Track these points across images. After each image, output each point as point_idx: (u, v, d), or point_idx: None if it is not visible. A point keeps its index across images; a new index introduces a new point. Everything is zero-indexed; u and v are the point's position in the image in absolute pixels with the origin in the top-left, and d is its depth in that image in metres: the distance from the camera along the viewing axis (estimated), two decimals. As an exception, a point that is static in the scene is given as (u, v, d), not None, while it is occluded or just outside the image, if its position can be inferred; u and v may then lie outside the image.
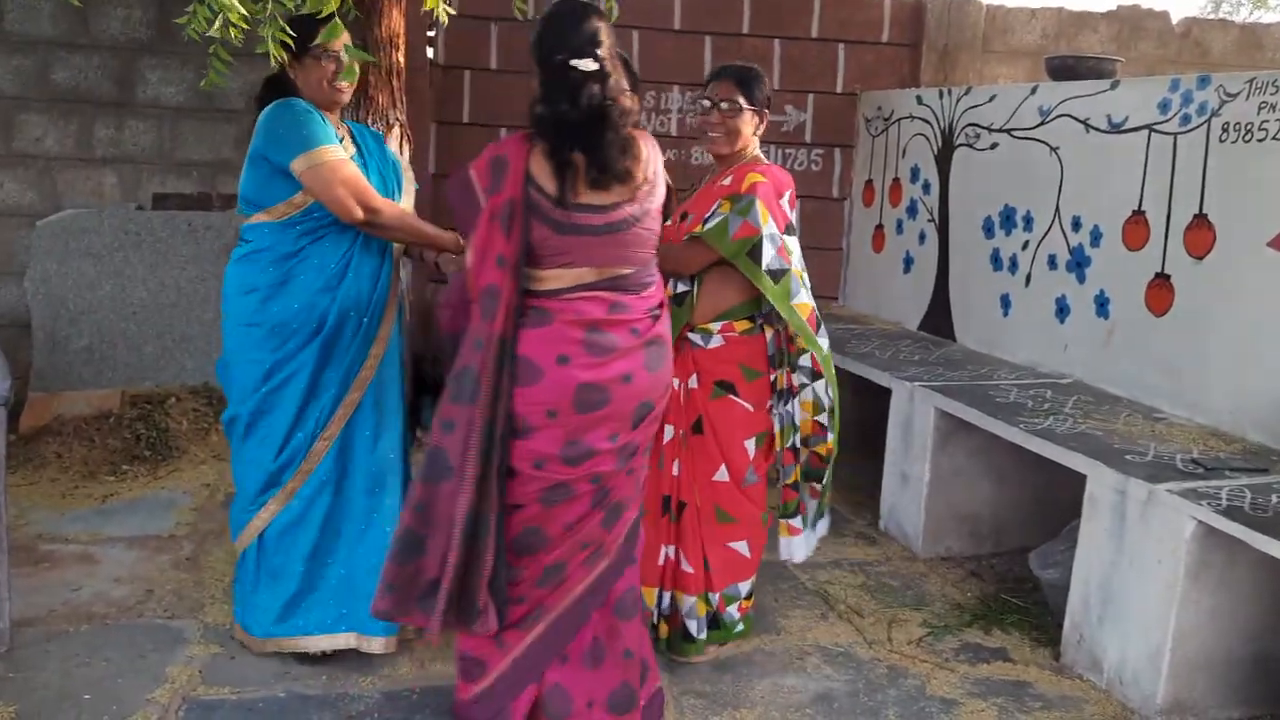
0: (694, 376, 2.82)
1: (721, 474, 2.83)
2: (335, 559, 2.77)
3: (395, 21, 4.20)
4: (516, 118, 5.04)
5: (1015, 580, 3.54)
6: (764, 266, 2.69)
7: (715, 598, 2.89)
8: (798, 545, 2.93)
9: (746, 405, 2.82)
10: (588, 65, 2.16)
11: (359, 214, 2.60)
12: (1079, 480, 2.97)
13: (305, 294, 2.65)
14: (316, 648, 2.75)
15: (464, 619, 2.24)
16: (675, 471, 2.86)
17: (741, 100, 2.80)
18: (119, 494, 3.94)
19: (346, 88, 2.72)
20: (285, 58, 2.61)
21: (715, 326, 2.81)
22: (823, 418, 2.83)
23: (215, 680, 2.69)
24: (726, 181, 2.82)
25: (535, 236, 2.18)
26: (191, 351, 4.86)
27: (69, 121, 4.91)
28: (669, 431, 2.85)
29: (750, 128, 2.84)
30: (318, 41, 2.48)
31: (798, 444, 2.85)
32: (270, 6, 2.29)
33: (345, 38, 2.65)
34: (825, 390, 2.81)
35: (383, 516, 2.78)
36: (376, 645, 2.77)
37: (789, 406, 2.84)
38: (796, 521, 2.90)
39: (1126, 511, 2.79)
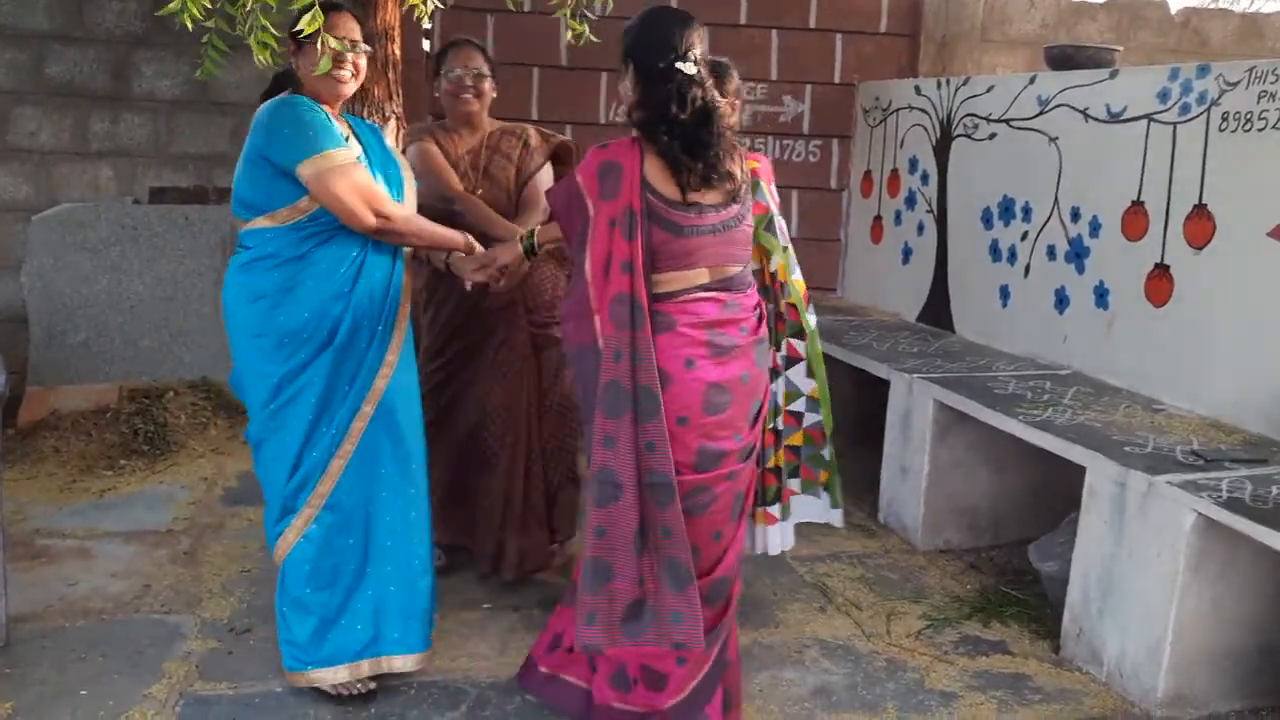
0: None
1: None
2: (364, 582, 2.60)
3: (390, 13, 4.17)
4: (513, 109, 5.05)
5: (1015, 573, 3.54)
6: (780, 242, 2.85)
7: None
8: (773, 535, 2.96)
9: None
10: (690, 69, 2.22)
11: (371, 222, 2.47)
12: (1079, 472, 2.96)
13: (315, 301, 2.48)
14: (353, 677, 2.57)
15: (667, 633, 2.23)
16: None
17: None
18: (116, 489, 3.93)
19: (348, 79, 2.54)
20: (288, 47, 2.53)
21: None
22: (796, 405, 2.90)
23: (212, 675, 2.68)
24: None
25: (655, 240, 2.22)
26: (189, 345, 4.85)
27: (64, 115, 4.89)
28: None
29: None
30: (302, 32, 2.30)
31: (780, 426, 2.91)
32: (250, 2, 2.26)
33: (353, 28, 2.54)
34: (803, 377, 2.90)
35: (410, 533, 2.63)
36: (411, 663, 2.63)
37: (774, 386, 2.87)
38: (775, 510, 2.94)
39: (1126, 503, 2.78)
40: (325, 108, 2.54)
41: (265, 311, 2.49)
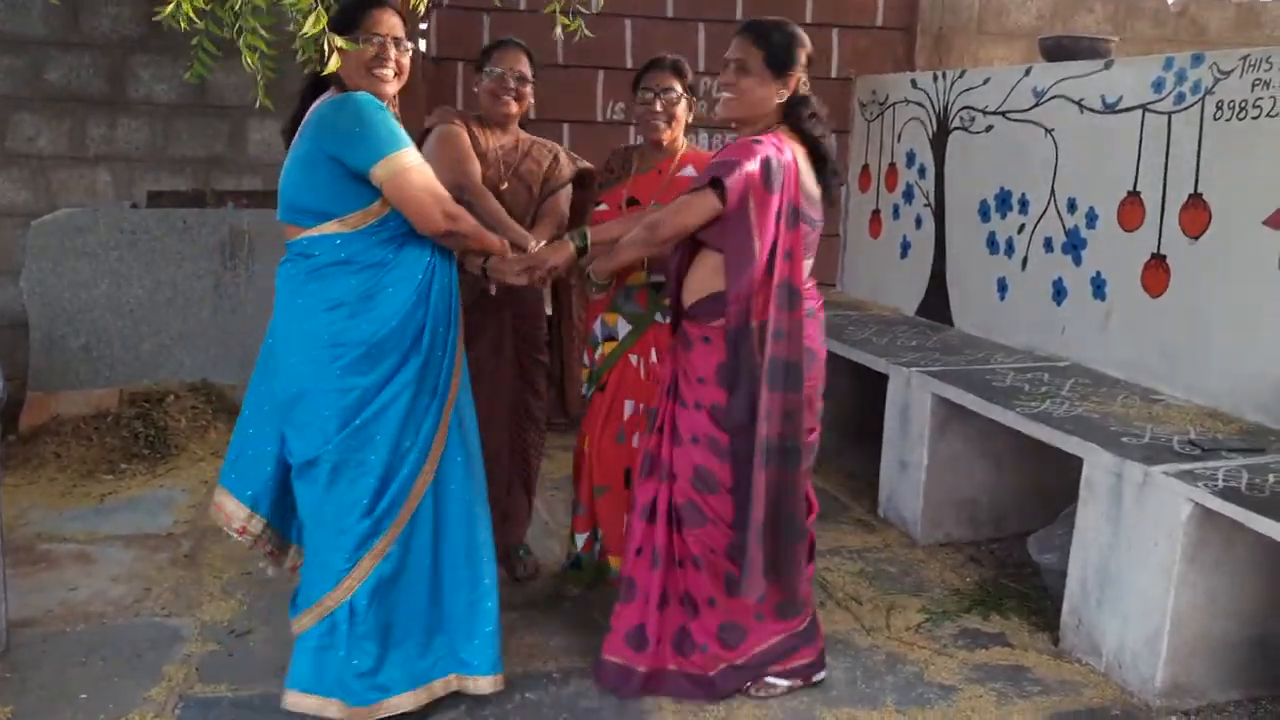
0: (653, 351, 3.00)
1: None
2: (436, 606, 2.51)
3: (384, 14, 4.16)
4: (577, 113, 5.04)
5: (1014, 565, 3.53)
6: None
7: None
8: None
9: None
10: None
11: (442, 225, 2.37)
12: (1078, 463, 2.96)
13: (400, 308, 2.36)
14: (429, 699, 2.50)
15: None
16: (635, 444, 2.96)
17: (679, 88, 3.00)
18: (117, 493, 3.95)
19: (390, 77, 2.41)
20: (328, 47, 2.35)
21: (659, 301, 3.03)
22: None
23: (212, 678, 2.69)
24: (689, 171, 2.96)
25: (800, 232, 2.48)
26: (189, 349, 4.86)
27: (62, 120, 4.90)
28: (629, 407, 3.02)
29: (688, 116, 3.03)
30: (340, 31, 2.25)
31: None
32: (239, 3, 2.25)
33: (395, 24, 2.41)
34: None
35: (479, 554, 2.53)
36: (486, 685, 2.54)
37: None
38: None
39: (1123, 494, 2.77)
40: None
41: (345, 320, 2.34)
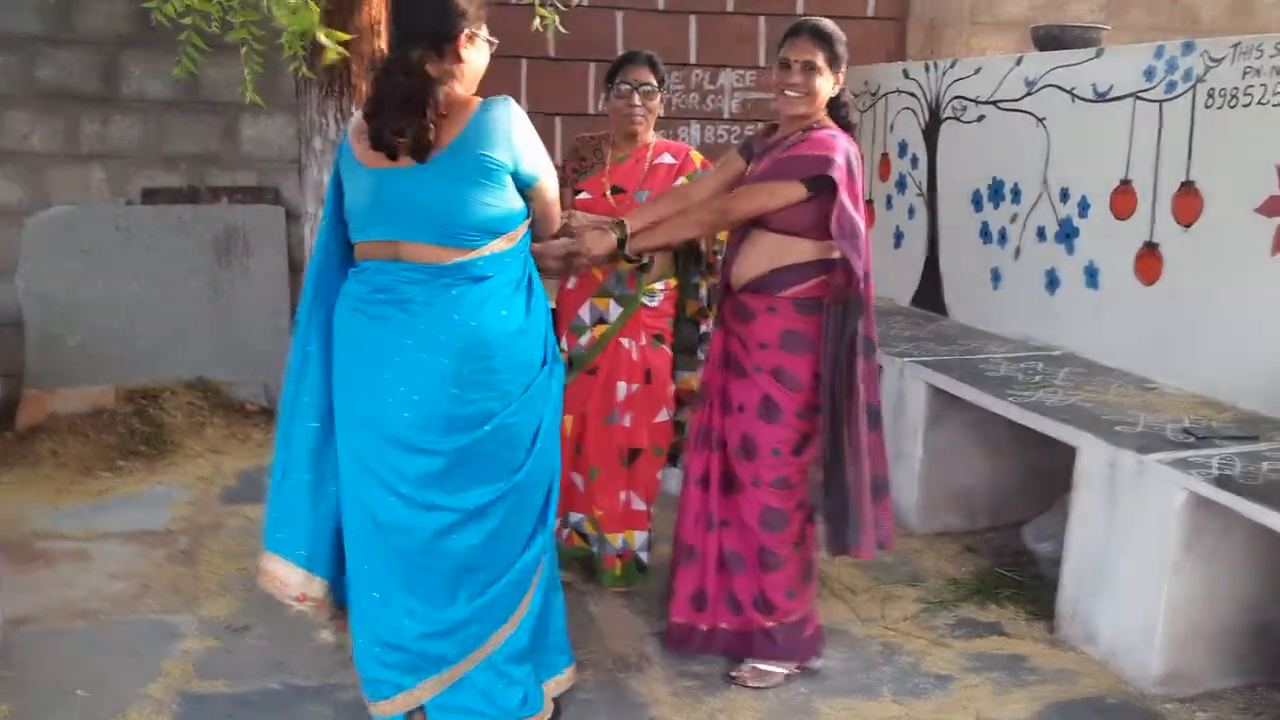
0: (642, 334, 3.12)
1: (662, 415, 3.17)
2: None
3: (376, 8, 4.17)
4: (570, 106, 5.04)
5: (1011, 554, 3.54)
6: None
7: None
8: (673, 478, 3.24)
9: (669, 351, 3.18)
10: None
11: (557, 228, 2.41)
12: (1072, 452, 2.96)
13: (547, 319, 2.34)
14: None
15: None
16: (628, 423, 3.12)
17: (655, 82, 3.09)
18: (114, 490, 3.95)
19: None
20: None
21: (659, 285, 3.13)
22: None
23: (210, 674, 2.69)
24: (667, 159, 3.13)
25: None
26: (185, 345, 4.86)
27: (55, 118, 4.89)
28: (622, 389, 3.11)
29: (659, 109, 3.14)
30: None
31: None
32: (236, -1, 2.25)
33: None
34: None
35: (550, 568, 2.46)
36: (566, 679, 2.54)
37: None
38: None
39: (1118, 483, 2.78)
40: None
41: (524, 339, 2.25)
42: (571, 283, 3.14)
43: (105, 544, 3.47)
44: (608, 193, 3.09)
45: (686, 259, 3.22)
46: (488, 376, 2.18)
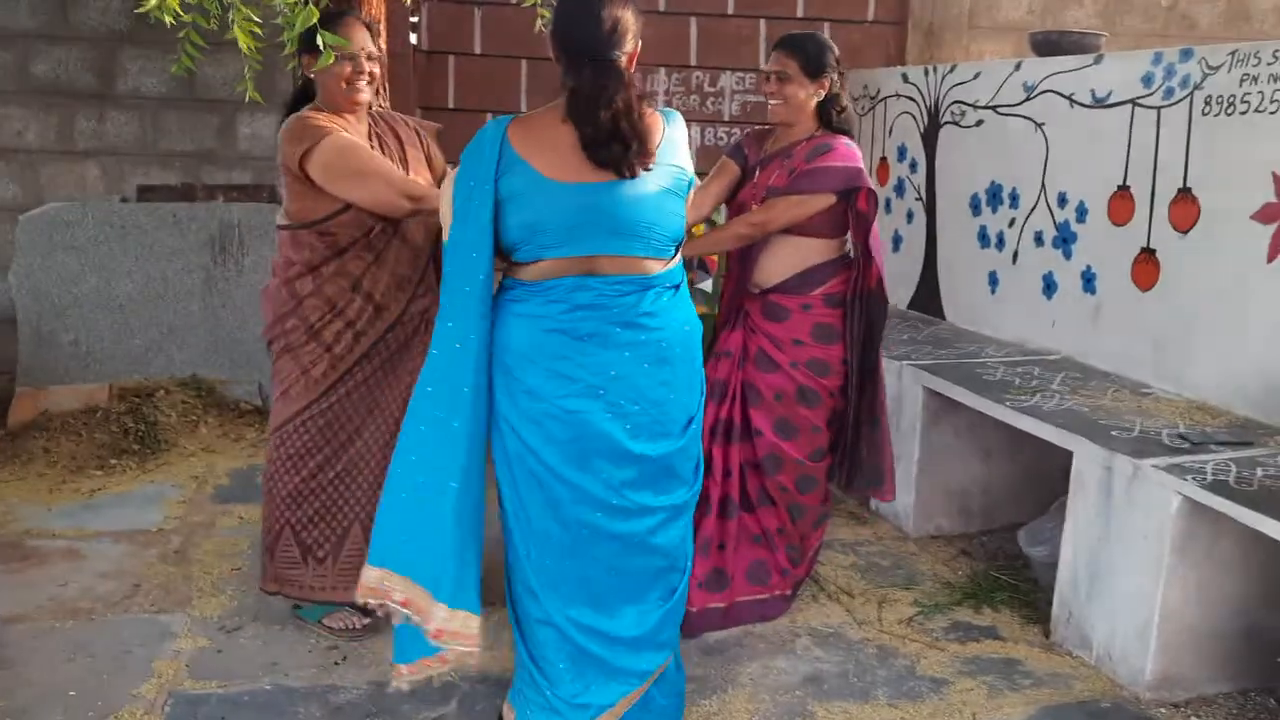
0: None
1: None
2: None
3: (376, 7, 4.16)
4: (502, 103, 5.05)
5: (1006, 557, 3.54)
6: None
7: None
8: None
9: None
10: None
11: None
12: (1068, 456, 2.96)
13: None
14: None
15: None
16: None
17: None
18: (107, 488, 3.93)
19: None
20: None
21: None
22: None
23: (202, 674, 2.68)
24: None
25: None
26: (179, 344, 4.84)
27: (50, 114, 4.88)
28: None
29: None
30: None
31: None
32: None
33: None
34: None
35: None
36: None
37: None
38: None
39: (1113, 487, 2.78)
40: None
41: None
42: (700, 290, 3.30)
43: (97, 543, 3.45)
44: None
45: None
46: (691, 378, 2.26)
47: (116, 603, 3.05)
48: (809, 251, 2.92)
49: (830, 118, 2.93)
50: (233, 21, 2.31)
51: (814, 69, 2.85)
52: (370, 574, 2.12)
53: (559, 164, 2.06)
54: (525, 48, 5.05)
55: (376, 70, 2.65)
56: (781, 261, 2.94)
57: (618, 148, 2.03)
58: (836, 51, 2.92)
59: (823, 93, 2.89)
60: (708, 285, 3.29)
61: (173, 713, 2.51)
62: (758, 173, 2.97)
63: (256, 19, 2.33)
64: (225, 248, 4.90)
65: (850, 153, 2.87)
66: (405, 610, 2.11)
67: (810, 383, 2.93)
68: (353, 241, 2.67)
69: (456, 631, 2.11)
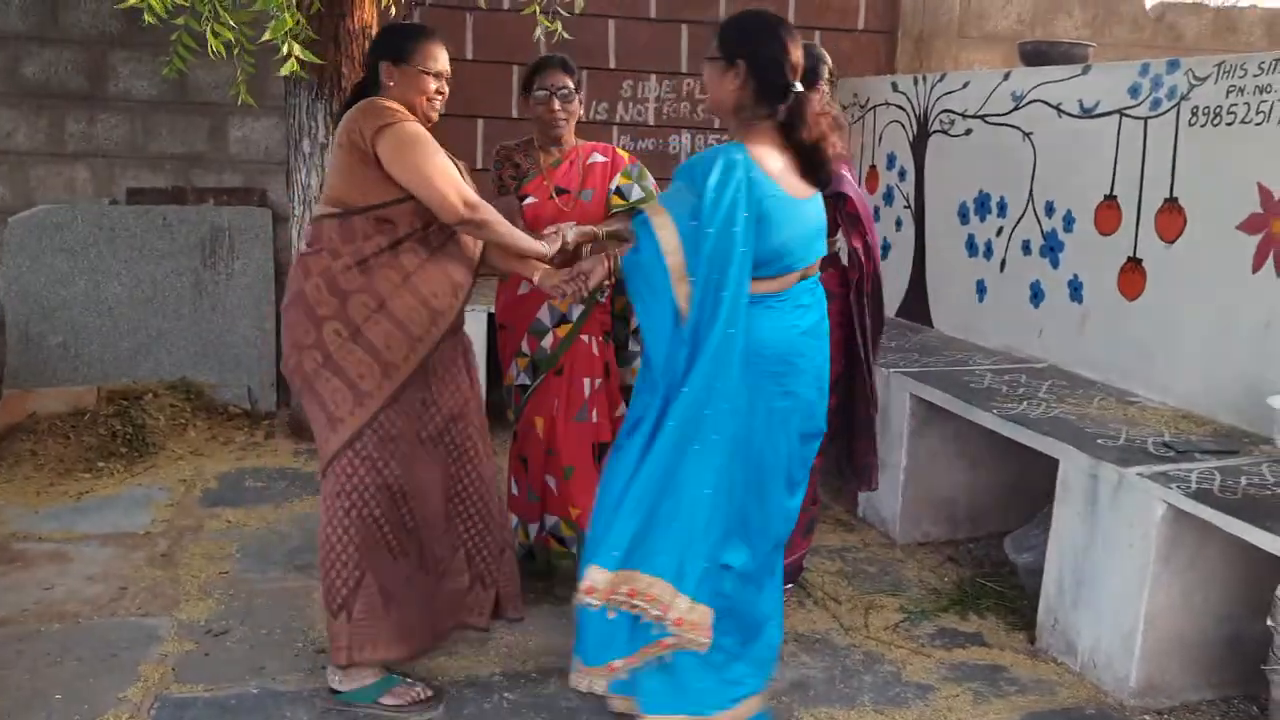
0: (604, 332, 3.23)
1: (620, 409, 3.20)
2: None
3: (367, 12, 4.18)
4: (493, 108, 5.06)
5: (992, 565, 3.56)
6: None
7: None
8: None
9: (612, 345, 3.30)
10: None
11: None
12: (1054, 464, 2.98)
13: None
14: None
15: None
16: (595, 418, 3.15)
17: (572, 84, 3.13)
18: (94, 491, 3.92)
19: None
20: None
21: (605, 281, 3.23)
22: None
23: (188, 678, 2.67)
24: (598, 158, 3.17)
25: None
26: (168, 347, 4.84)
27: (40, 116, 4.86)
28: (587, 385, 3.15)
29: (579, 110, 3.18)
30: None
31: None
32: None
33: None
34: None
35: None
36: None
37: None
38: None
39: (1098, 495, 2.80)
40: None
41: None
42: (524, 288, 3.11)
43: (84, 546, 3.44)
44: (553, 195, 3.14)
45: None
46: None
47: (103, 606, 3.04)
48: None
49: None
50: (206, 22, 2.32)
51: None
52: (599, 576, 2.24)
53: (795, 182, 2.32)
54: (517, 54, 5.06)
55: (447, 91, 2.61)
56: None
57: (825, 166, 2.36)
58: (829, 62, 2.97)
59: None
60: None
61: (159, 716, 2.50)
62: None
63: (232, 24, 2.33)
64: (215, 251, 4.90)
65: (841, 159, 2.95)
66: (639, 606, 2.25)
67: None
68: (410, 233, 2.50)
69: (695, 623, 2.26)
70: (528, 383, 3.20)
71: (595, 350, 3.20)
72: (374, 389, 2.46)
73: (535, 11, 3.34)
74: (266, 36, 2.24)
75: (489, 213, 2.51)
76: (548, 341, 3.17)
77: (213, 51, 2.36)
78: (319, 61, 2.46)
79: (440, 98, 2.58)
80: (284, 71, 2.41)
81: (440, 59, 2.55)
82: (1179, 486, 2.59)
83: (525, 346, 3.19)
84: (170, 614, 3.01)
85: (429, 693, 2.60)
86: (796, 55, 2.27)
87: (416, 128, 2.48)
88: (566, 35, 3.45)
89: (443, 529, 2.67)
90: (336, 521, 2.49)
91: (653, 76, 5.20)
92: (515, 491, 3.29)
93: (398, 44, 2.53)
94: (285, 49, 2.25)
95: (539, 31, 3.40)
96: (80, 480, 4.02)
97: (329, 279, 2.47)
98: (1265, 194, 2.97)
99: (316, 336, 2.47)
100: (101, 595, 3.10)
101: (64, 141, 4.91)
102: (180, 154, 5.02)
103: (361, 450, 2.47)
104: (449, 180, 2.46)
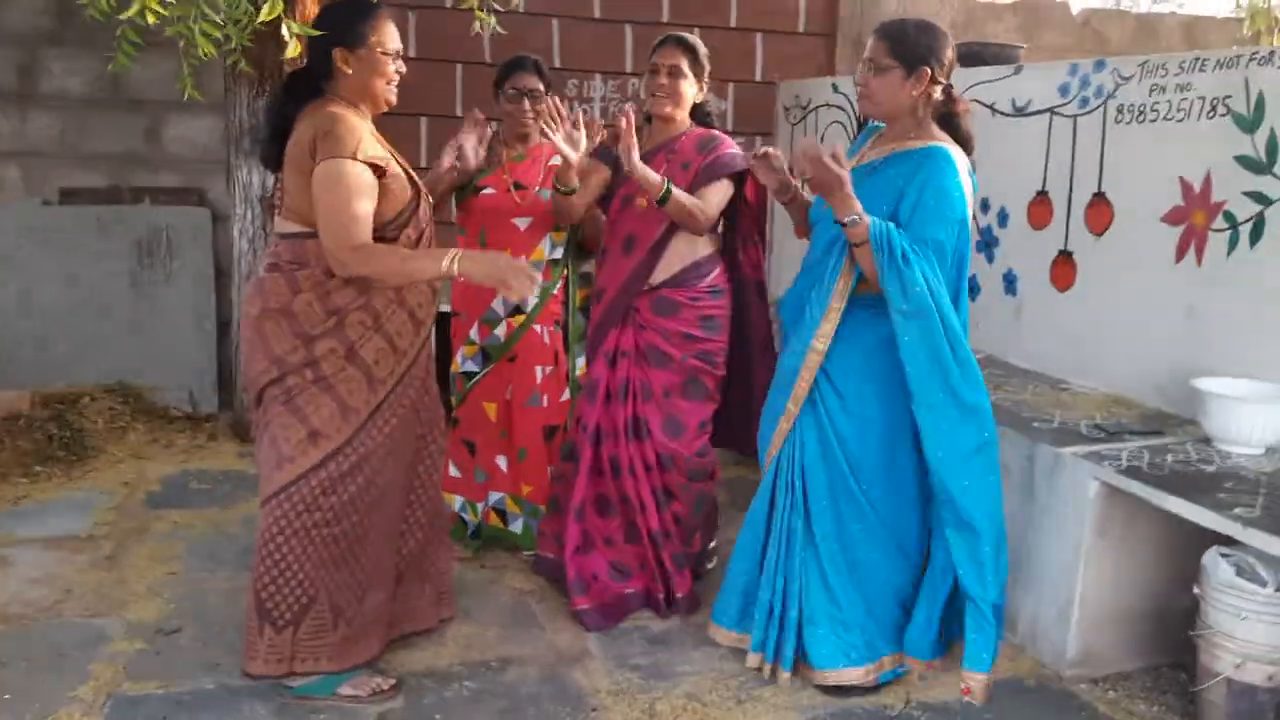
0: (555, 321, 3.37)
1: (565, 395, 3.37)
2: None
3: (310, 8, 4.14)
4: (438, 107, 5.05)
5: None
6: None
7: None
8: None
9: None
10: None
11: None
12: (991, 449, 3.09)
13: None
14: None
15: None
16: (545, 403, 3.32)
17: (542, 87, 3.26)
18: (32, 495, 3.84)
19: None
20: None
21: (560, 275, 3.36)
22: None
23: (141, 675, 2.65)
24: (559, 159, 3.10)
25: None
26: (105, 350, 4.75)
27: (-32, 114, 4.74)
28: (539, 372, 3.29)
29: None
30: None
31: None
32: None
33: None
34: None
35: None
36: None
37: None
38: None
39: (1035, 476, 2.91)
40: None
41: None
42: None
43: (25, 550, 3.37)
44: (511, 189, 3.24)
45: (578, 250, 3.41)
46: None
47: (48, 608, 2.99)
48: (699, 244, 3.02)
49: (703, 115, 3.12)
50: (195, 19, 2.30)
51: (701, 68, 3.02)
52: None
53: None
54: (460, 52, 5.07)
55: (404, 70, 2.49)
56: (673, 257, 3.02)
57: None
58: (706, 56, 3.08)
59: (704, 93, 3.09)
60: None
61: (113, 713, 2.47)
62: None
63: (218, 19, 2.31)
64: (152, 252, 4.82)
65: (733, 142, 3.07)
66: None
67: (700, 374, 3.03)
68: (409, 245, 2.47)
69: None
70: (475, 370, 3.28)
71: (546, 339, 3.32)
72: (360, 405, 2.43)
73: (473, 7, 3.37)
74: (264, 16, 2.22)
75: (368, 261, 2.34)
76: (500, 330, 3.27)
77: (204, 53, 2.33)
78: (310, 32, 2.40)
79: (398, 78, 2.47)
80: (289, 55, 2.36)
81: (396, 36, 2.44)
82: (1111, 464, 2.71)
83: (475, 334, 3.27)
84: (118, 615, 2.96)
85: (389, 683, 2.60)
86: None
87: (356, 170, 2.31)
88: (501, 30, 3.49)
89: (398, 532, 2.66)
90: (297, 539, 2.43)
91: (598, 76, 5.25)
92: (456, 474, 3.40)
93: (351, 26, 2.37)
94: (286, 32, 2.23)
95: (476, 26, 3.43)
96: (16, 485, 3.92)
97: (323, 295, 2.40)
98: (1187, 187, 3.12)
99: (307, 354, 2.40)
100: (46, 598, 3.05)
101: (-6, 140, 4.79)
102: (115, 153, 4.93)
103: (341, 464, 2.42)
104: (348, 233, 2.31)
